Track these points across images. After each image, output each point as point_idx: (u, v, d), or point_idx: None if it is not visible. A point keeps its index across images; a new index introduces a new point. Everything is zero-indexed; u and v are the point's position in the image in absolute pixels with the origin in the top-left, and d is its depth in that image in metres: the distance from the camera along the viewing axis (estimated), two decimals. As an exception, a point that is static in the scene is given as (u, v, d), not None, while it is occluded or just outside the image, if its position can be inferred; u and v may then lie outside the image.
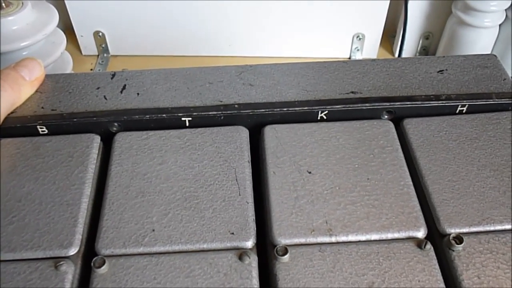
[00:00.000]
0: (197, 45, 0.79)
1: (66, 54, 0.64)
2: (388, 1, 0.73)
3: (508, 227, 0.29)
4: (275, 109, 0.35)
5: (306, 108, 0.35)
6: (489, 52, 0.73)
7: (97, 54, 0.80)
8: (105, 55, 0.80)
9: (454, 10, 0.71)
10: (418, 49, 0.80)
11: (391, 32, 0.82)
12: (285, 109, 0.35)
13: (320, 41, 0.77)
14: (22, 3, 0.57)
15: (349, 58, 0.79)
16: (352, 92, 0.36)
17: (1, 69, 0.35)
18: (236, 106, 0.35)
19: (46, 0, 0.63)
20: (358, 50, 0.78)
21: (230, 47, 0.79)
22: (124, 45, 0.79)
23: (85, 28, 0.77)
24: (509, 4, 0.68)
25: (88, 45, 0.79)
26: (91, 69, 0.78)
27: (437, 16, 0.76)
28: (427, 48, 0.80)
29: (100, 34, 0.77)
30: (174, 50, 0.80)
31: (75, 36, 0.78)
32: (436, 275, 0.27)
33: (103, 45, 0.79)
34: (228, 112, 0.35)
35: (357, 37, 0.76)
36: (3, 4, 0.57)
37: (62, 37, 0.62)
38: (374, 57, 0.79)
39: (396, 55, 0.78)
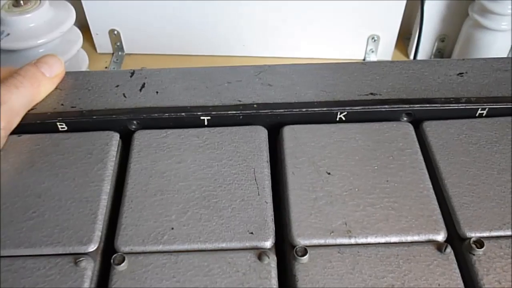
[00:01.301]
0: (211, 44, 0.79)
1: (82, 52, 0.65)
2: (404, 3, 0.72)
3: (529, 232, 0.29)
4: (294, 110, 0.35)
5: (325, 109, 0.35)
6: (505, 55, 0.72)
7: (112, 52, 0.81)
8: (119, 53, 0.80)
9: (471, 12, 0.71)
10: (433, 51, 0.79)
11: (406, 34, 0.82)
12: (303, 109, 0.35)
13: (334, 42, 0.77)
14: (40, 1, 0.58)
15: (364, 59, 0.79)
16: (371, 94, 0.36)
17: (21, 65, 0.35)
18: (255, 106, 0.35)
19: (63, -2, 0.63)
20: (372, 51, 0.78)
21: (244, 47, 0.79)
22: (139, 44, 0.80)
23: (101, 26, 0.77)
24: (526, 7, 0.67)
25: (103, 43, 0.80)
26: (106, 67, 0.79)
27: (453, 18, 0.76)
28: (443, 50, 0.80)
29: (115, 32, 0.78)
30: (188, 50, 0.80)
31: (91, 34, 0.79)
32: (456, 279, 0.27)
33: (118, 44, 0.79)
34: (247, 111, 0.35)
35: (372, 38, 0.76)
36: (21, 2, 0.57)
37: (78, 35, 0.62)
38: (389, 59, 0.79)
39: (411, 57, 0.78)
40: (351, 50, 0.78)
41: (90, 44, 0.80)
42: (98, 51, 0.81)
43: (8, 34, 0.56)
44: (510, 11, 0.67)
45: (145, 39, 0.79)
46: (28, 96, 0.34)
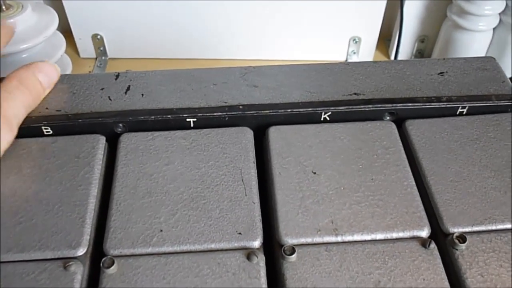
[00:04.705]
0: (196, 48, 0.79)
1: (65, 57, 0.64)
2: (384, 4, 0.73)
3: (509, 226, 0.30)
4: (279, 110, 0.35)
5: (309, 109, 0.36)
6: (483, 55, 0.74)
7: (95, 57, 0.80)
8: (103, 58, 0.80)
9: (449, 13, 0.72)
10: (414, 52, 0.81)
11: (387, 35, 0.83)
12: (289, 110, 0.35)
13: (316, 44, 0.78)
14: (22, 6, 0.57)
15: (346, 61, 0.80)
16: (355, 94, 0.37)
17: (15, 69, 0.35)
18: (240, 107, 0.35)
19: (44, 2, 0.63)
20: (354, 53, 0.79)
21: (228, 50, 0.80)
22: (122, 48, 0.79)
23: (84, 30, 0.77)
24: (503, 8, 0.69)
25: (86, 48, 0.79)
26: (90, 72, 0.78)
27: (432, 19, 0.77)
28: (423, 51, 0.81)
29: (99, 37, 0.77)
30: (173, 53, 0.80)
31: (73, 39, 0.78)
32: (441, 274, 0.28)
33: (101, 48, 0.79)
34: (233, 113, 0.35)
35: (353, 40, 0.77)
36: (3, 7, 0.57)
37: (61, 39, 0.62)
38: (370, 60, 0.80)
39: (392, 58, 0.79)
40: (333, 52, 0.79)
41: (73, 49, 0.80)
42: (82, 55, 0.80)
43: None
44: (487, 12, 0.69)
45: (129, 43, 0.78)
46: (28, 108, 0.34)
